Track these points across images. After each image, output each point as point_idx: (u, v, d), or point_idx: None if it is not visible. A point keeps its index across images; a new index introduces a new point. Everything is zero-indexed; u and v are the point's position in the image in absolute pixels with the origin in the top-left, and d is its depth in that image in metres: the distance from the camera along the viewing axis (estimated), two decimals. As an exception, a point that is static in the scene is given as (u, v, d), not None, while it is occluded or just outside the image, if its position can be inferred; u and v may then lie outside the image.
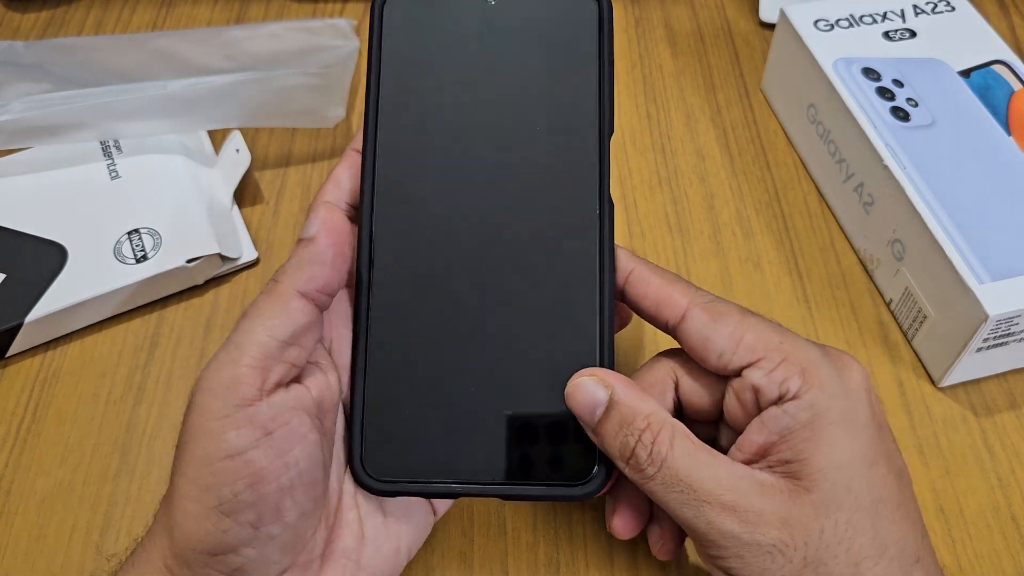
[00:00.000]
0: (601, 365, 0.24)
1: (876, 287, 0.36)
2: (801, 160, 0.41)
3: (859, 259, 0.37)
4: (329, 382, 0.24)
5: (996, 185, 0.33)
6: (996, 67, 0.37)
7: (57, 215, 0.36)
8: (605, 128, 0.25)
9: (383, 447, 0.24)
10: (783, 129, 0.42)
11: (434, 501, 0.26)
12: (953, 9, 0.39)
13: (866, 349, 0.34)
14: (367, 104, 0.25)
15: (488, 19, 0.26)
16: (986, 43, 0.38)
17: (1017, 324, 0.30)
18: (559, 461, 0.24)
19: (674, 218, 0.38)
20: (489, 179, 0.25)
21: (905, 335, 0.34)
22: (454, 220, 0.25)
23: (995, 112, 0.35)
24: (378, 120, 0.25)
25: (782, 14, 0.40)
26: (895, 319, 0.35)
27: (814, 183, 0.40)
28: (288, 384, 0.23)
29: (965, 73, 0.37)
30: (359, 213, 0.25)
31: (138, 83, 0.38)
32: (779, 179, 0.40)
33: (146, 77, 0.40)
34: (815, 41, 0.38)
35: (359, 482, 0.24)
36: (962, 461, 0.31)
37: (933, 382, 0.33)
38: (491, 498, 0.25)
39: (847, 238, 0.37)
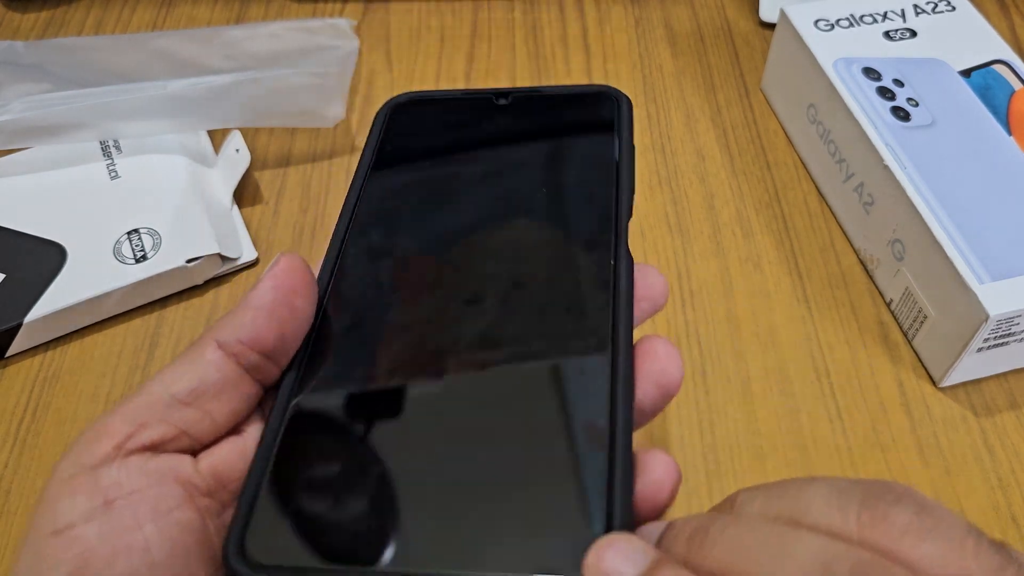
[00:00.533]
0: (611, 520, 0.17)
1: (876, 287, 0.36)
2: (801, 160, 0.40)
3: (859, 259, 0.37)
4: (244, 457, 0.19)
5: (996, 185, 0.33)
6: (996, 67, 0.37)
7: (57, 215, 0.36)
8: (621, 251, 0.21)
9: (274, 525, 0.18)
10: (783, 129, 0.42)
11: None
12: (953, 9, 0.39)
13: (866, 349, 0.34)
14: (348, 195, 0.23)
15: (496, 119, 0.24)
16: (987, 43, 0.38)
17: (1017, 324, 0.30)
18: (544, 541, 0.17)
19: (674, 218, 0.38)
20: (469, 281, 0.21)
21: (905, 335, 0.34)
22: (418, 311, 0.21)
23: (996, 112, 0.35)
24: (356, 207, 0.23)
25: (782, 14, 0.40)
26: (895, 319, 0.35)
27: (814, 183, 0.40)
28: (164, 451, 0.18)
29: (965, 73, 0.37)
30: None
31: (138, 83, 0.38)
32: (779, 179, 0.40)
33: (146, 77, 0.40)
34: (815, 41, 0.38)
35: (229, 569, 0.17)
36: (962, 461, 0.31)
37: (933, 382, 0.33)
38: None
39: (847, 238, 0.37)
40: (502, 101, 0.25)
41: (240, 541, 0.17)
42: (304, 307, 0.20)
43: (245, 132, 0.41)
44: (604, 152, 0.23)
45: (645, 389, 0.19)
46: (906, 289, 0.34)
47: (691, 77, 0.44)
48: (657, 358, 0.19)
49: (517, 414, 0.19)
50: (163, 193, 0.37)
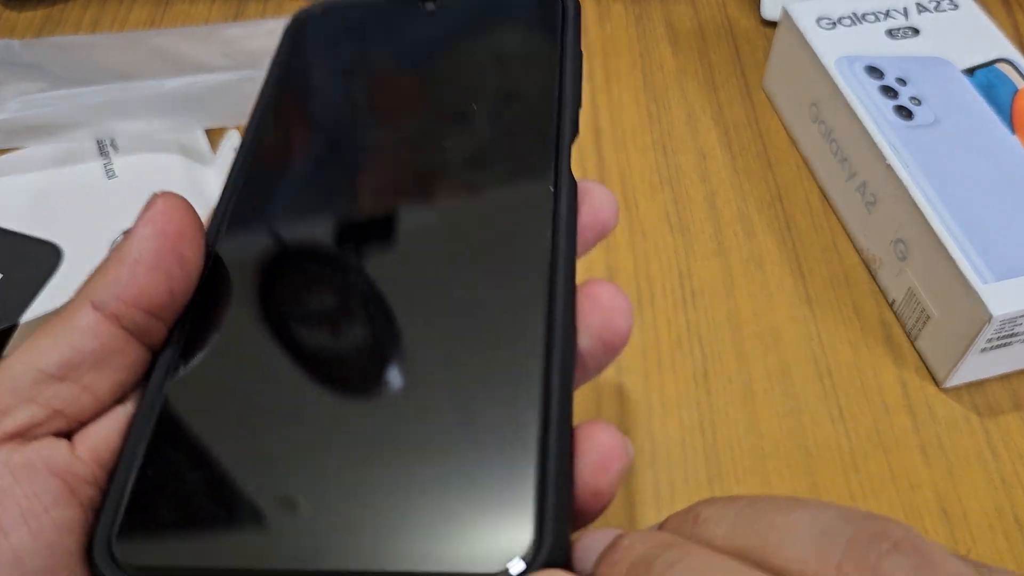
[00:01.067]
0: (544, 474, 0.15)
1: (879, 287, 0.36)
2: (803, 159, 0.40)
3: (862, 259, 0.37)
4: None
5: (1000, 184, 0.32)
6: (1000, 65, 0.36)
7: (52, 215, 0.36)
8: (565, 137, 0.19)
9: (149, 519, 0.15)
10: (785, 128, 0.42)
11: None
12: (956, 7, 0.39)
13: (869, 350, 0.34)
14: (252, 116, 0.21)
15: (422, 26, 0.22)
16: (990, 41, 0.37)
17: (1021, 325, 0.30)
18: (467, 535, 0.15)
19: (675, 217, 0.38)
20: (375, 201, 0.19)
21: (908, 336, 0.34)
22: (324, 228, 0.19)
23: (999, 111, 0.35)
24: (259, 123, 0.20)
25: (784, 12, 0.39)
26: (898, 319, 0.34)
27: (816, 182, 0.39)
28: (34, 437, 0.15)
29: (969, 71, 0.36)
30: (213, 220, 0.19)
31: (135, 81, 0.38)
32: (781, 178, 0.40)
33: (143, 75, 0.40)
34: (818, 39, 0.38)
35: (95, 571, 0.15)
36: (965, 463, 0.31)
37: (936, 383, 0.33)
38: None
39: (850, 238, 0.37)
40: (429, 5, 0.22)
41: (108, 538, 0.15)
42: (193, 255, 0.17)
43: (243, 131, 0.41)
44: (545, 60, 0.20)
45: (584, 343, 0.16)
46: (909, 289, 0.33)
47: (692, 75, 0.44)
48: (599, 306, 0.17)
49: (436, 380, 0.16)
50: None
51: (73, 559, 0.15)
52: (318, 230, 0.19)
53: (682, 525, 0.14)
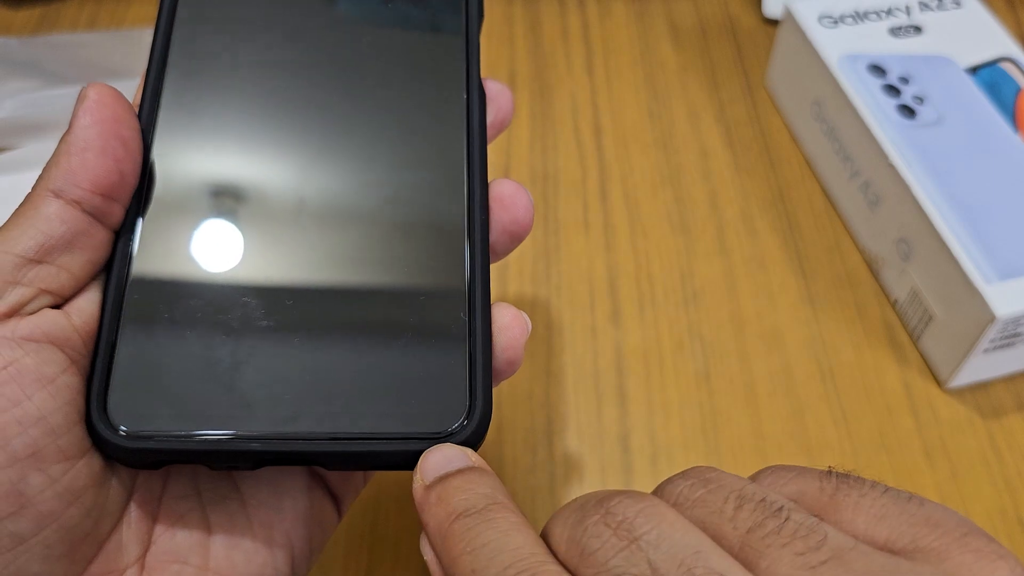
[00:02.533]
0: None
1: (882, 287, 0.35)
2: (806, 158, 0.40)
3: (865, 259, 0.36)
4: None
5: (1004, 183, 0.32)
6: (1003, 64, 0.36)
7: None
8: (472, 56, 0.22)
9: (137, 386, 0.17)
10: (788, 126, 0.41)
11: (336, 488, 0.21)
12: (960, 5, 0.39)
13: (871, 351, 0.33)
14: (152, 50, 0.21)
15: None
16: (993, 39, 0.37)
17: (1025, 325, 0.30)
18: (412, 400, 0.17)
19: (677, 217, 0.38)
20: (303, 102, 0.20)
21: (911, 336, 0.34)
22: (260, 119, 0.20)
23: (1003, 109, 0.35)
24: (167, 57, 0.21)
25: (787, 10, 0.39)
26: (901, 320, 0.34)
27: (819, 181, 0.39)
28: (28, 313, 0.16)
29: (972, 70, 0.36)
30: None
31: (132, 80, 0.37)
32: (784, 177, 0.39)
33: (140, 74, 0.39)
34: (820, 37, 0.37)
35: (94, 436, 0.17)
36: (969, 464, 0.31)
37: (940, 384, 0.33)
38: (307, 465, 0.19)
39: (852, 238, 0.37)
40: None
41: (103, 403, 0.17)
42: (131, 136, 0.18)
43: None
44: None
45: (494, 236, 0.20)
46: (912, 289, 0.33)
47: (694, 73, 0.44)
48: (505, 205, 0.20)
49: (380, 262, 0.19)
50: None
51: (83, 418, 0.17)
52: (249, 114, 0.20)
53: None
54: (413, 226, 0.19)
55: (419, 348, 0.18)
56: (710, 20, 0.47)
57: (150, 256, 0.18)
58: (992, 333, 0.29)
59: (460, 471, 0.16)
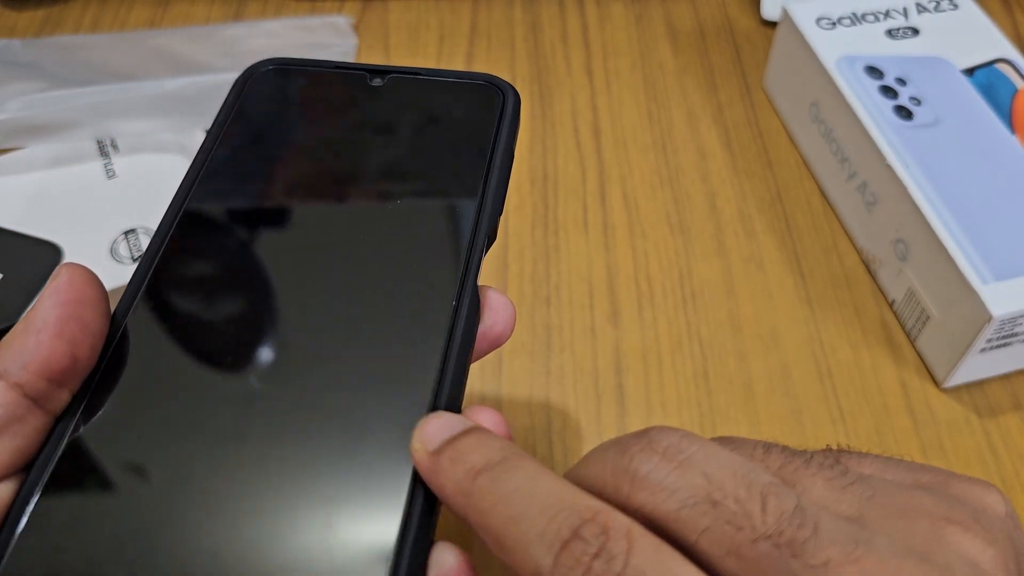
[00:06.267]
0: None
1: (879, 287, 0.36)
2: (803, 159, 0.40)
3: (862, 259, 0.37)
4: None
5: (1000, 184, 0.32)
6: (1000, 65, 0.36)
7: (53, 215, 0.36)
8: (479, 239, 0.19)
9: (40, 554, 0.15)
10: (785, 128, 0.42)
11: None
12: (956, 7, 0.39)
13: (869, 350, 0.34)
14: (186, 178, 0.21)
15: (365, 100, 0.22)
16: (990, 41, 0.37)
17: (1021, 325, 0.30)
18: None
19: (675, 217, 0.38)
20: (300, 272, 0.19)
21: (908, 336, 0.34)
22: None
23: (999, 111, 0.35)
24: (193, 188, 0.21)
25: (784, 12, 0.39)
26: (898, 320, 0.34)
27: (816, 182, 0.39)
28: None
29: (968, 71, 0.36)
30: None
31: (135, 82, 0.38)
32: (781, 178, 0.40)
33: (143, 76, 0.40)
34: (818, 39, 0.38)
35: None
36: (966, 463, 0.31)
37: (936, 383, 0.33)
38: None
39: (850, 238, 0.37)
40: (376, 81, 0.22)
41: None
42: (94, 319, 0.17)
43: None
44: (474, 158, 0.20)
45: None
46: (909, 289, 0.33)
47: (692, 75, 0.44)
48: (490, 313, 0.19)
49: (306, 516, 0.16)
50: (160, 193, 0.37)
51: None
52: (220, 310, 0.19)
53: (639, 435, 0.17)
54: (355, 444, 0.17)
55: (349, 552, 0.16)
56: (708, 22, 0.47)
57: (76, 456, 0.16)
58: (988, 333, 0.30)
59: (466, 431, 0.16)
